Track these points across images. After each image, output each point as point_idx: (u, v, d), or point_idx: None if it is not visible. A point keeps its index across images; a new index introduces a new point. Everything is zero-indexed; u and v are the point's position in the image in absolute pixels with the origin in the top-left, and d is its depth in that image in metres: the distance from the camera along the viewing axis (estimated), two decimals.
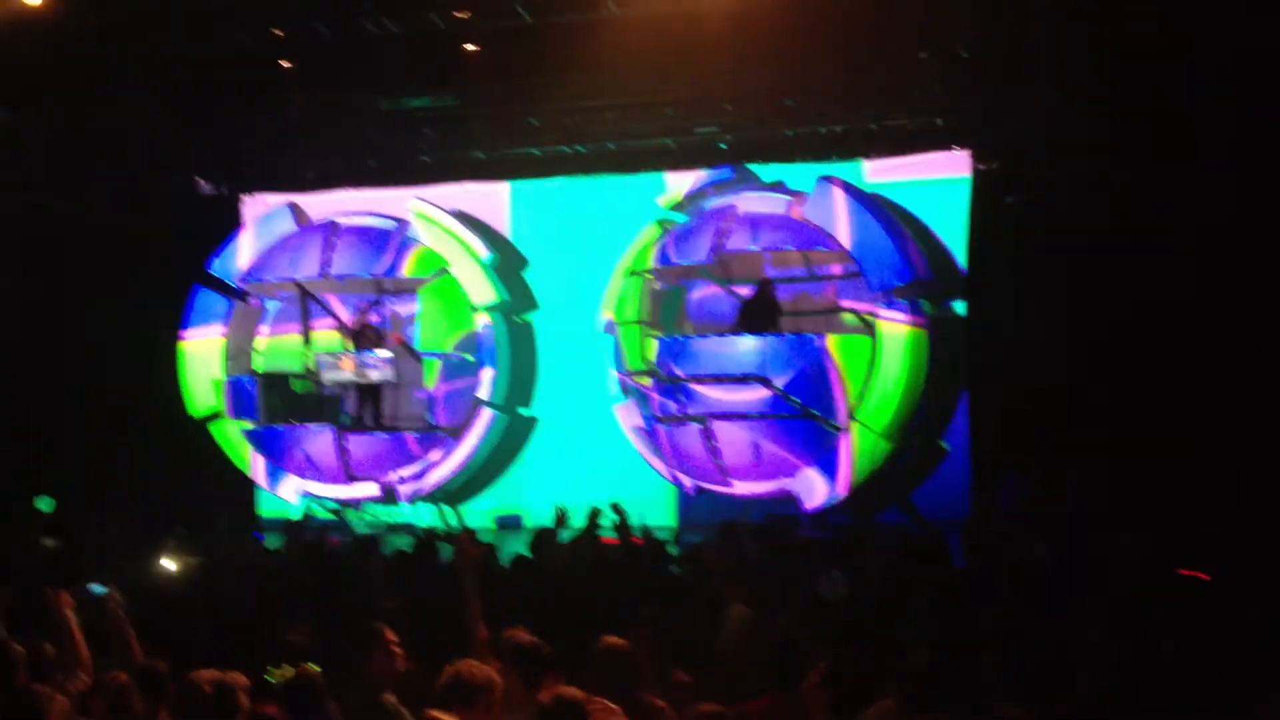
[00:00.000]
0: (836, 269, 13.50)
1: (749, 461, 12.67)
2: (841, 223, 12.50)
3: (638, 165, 14.10)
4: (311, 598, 7.38)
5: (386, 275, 14.06)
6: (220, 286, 14.18)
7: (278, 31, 11.28)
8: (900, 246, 12.49)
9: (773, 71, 11.98)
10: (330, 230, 13.94)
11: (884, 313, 12.42)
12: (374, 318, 14.16)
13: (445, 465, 13.92)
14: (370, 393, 13.83)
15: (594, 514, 8.96)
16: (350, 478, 13.69)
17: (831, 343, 12.73)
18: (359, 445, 13.65)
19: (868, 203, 12.70)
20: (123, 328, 13.81)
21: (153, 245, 13.99)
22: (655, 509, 13.17)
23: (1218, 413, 10.74)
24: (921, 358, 12.50)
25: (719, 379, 12.66)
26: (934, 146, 13.12)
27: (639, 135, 13.59)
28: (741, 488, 12.87)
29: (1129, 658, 5.44)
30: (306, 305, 14.65)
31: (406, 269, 13.87)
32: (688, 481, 13.11)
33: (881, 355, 12.38)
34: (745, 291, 13.27)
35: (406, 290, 14.44)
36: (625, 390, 13.41)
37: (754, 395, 12.51)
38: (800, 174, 13.27)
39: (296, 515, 13.66)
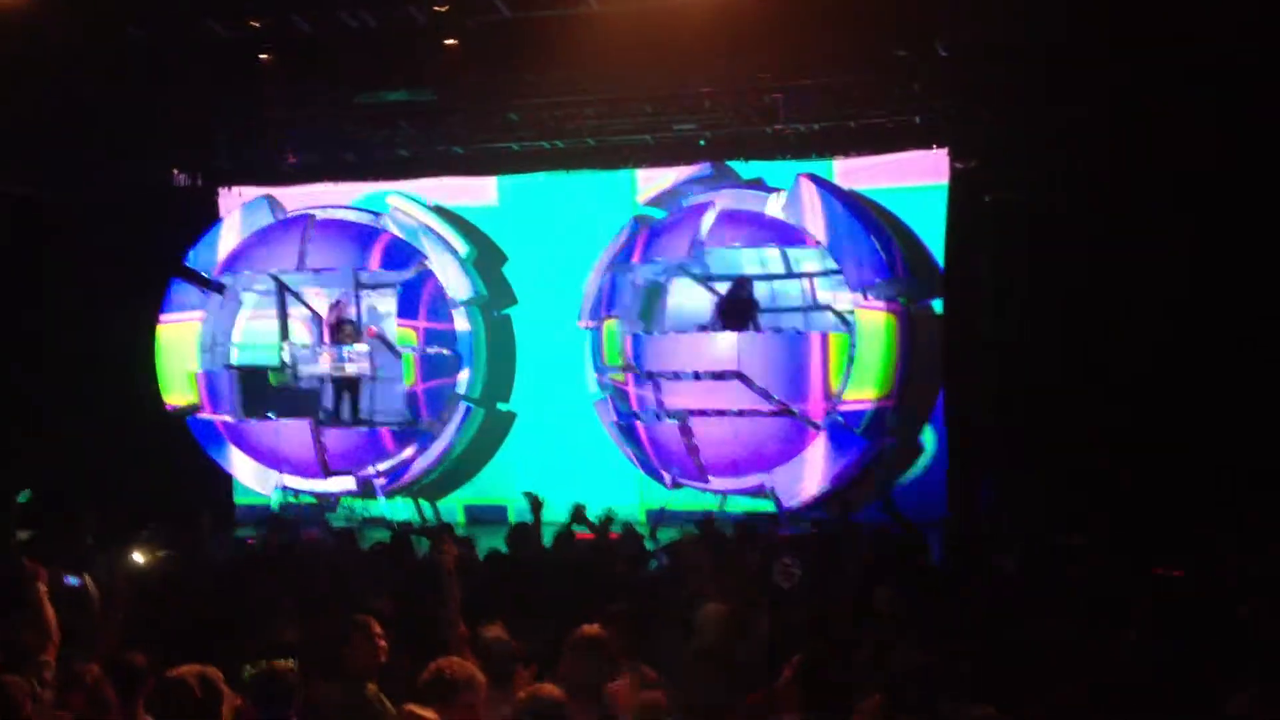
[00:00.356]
0: (815, 266, 13.54)
1: (727, 458, 12.70)
2: (820, 220, 12.53)
3: (616, 161, 14.07)
4: (291, 591, 7.36)
5: (363, 269, 14.01)
6: (196, 279, 14.11)
7: (255, 24, 11.22)
8: (878, 244, 12.53)
9: (752, 69, 12.00)
10: (307, 224, 13.89)
11: (863, 309, 12.45)
12: (351, 311, 14.12)
13: (422, 459, 13.91)
14: (348, 386, 13.81)
15: (577, 510, 8.94)
16: (327, 471, 13.66)
17: (810, 340, 12.79)
18: (335, 439, 13.62)
19: (846, 200, 12.73)
20: (98, 320, 13.73)
21: (129, 238, 13.89)
22: (632, 504, 13.23)
23: (1200, 411, 10.81)
24: (900, 347, 12.53)
25: (697, 376, 12.68)
26: (913, 144, 13.14)
27: (618, 131, 13.56)
28: (719, 484, 12.90)
29: (1103, 655, 5.47)
30: (283, 299, 14.59)
31: (384, 263, 13.81)
32: (666, 477, 13.13)
33: (860, 348, 12.41)
34: (723, 288, 13.30)
35: (384, 284, 14.40)
36: (603, 386, 13.42)
37: (732, 392, 12.52)
38: (779, 171, 13.30)
39: (272, 508, 13.63)
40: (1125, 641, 5.75)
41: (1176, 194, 10.85)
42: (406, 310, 13.86)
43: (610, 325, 13.29)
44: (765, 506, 12.77)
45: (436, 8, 10.76)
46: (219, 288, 14.18)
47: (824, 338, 12.79)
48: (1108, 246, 11.31)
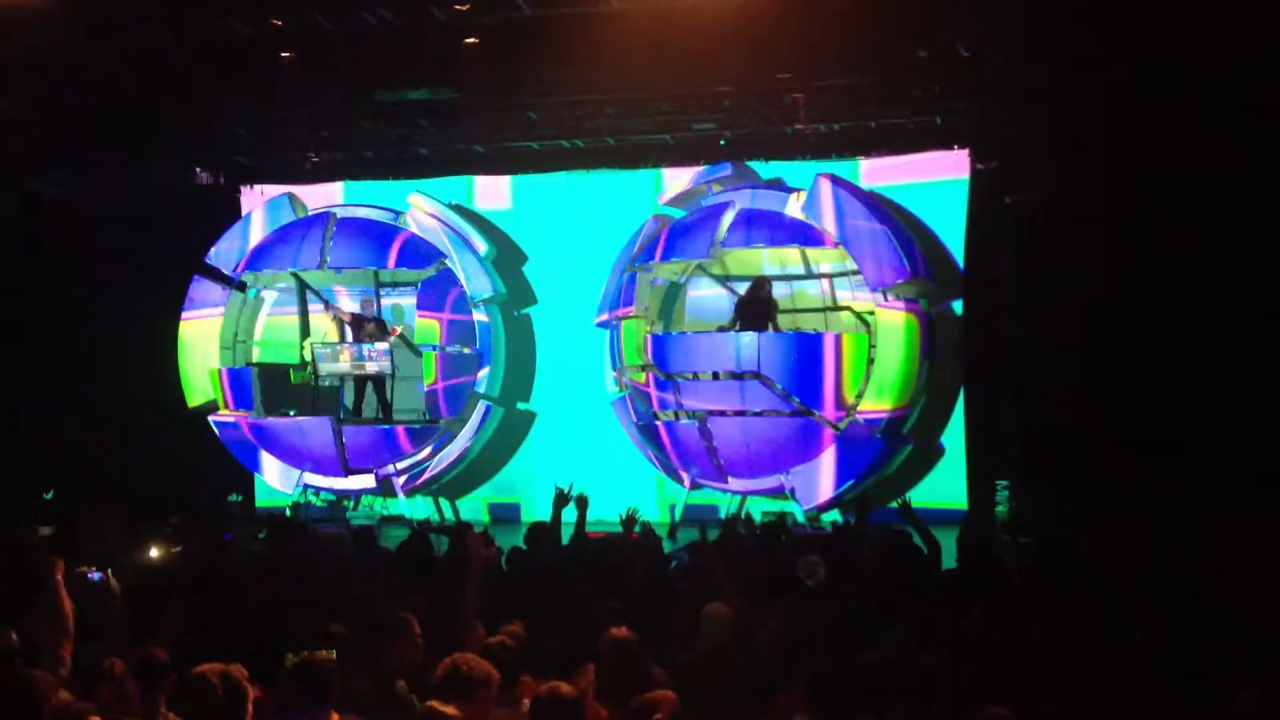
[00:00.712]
0: (834, 267, 13.52)
1: (746, 458, 12.69)
2: (839, 220, 12.51)
3: (636, 161, 14.11)
4: (306, 589, 7.38)
5: (384, 267, 14.05)
6: (218, 277, 14.18)
7: (277, 22, 11.27)
8: (898, 245, 12.50)
9: (772, 68, 11.97)
10: (328, 222, 13.94)
11: (883, 310, 12.42)
12: (374, 309, 14.14)
13: (442, 458, 13.94)
14: (376, 385, 13.82)
15: (581, 503, 8.93)
16: (347, 470, 13.70)
17: (829, 340, 12.77)
18: (356, 437, 13.66)
19: (866, 201, 12.71)
20: (121, 318, 13.81)
21: (152, 236, 13.98)
22: (651, 504, 13.25)
23: (1219, 412, 10.76)
24: (919, 348, 12.51)
25: (716, 375, 12.68)
26: (933, 145, 13.14)
27: (637, 130, 13.59)
28: (738, 484, 12.90)
29: (1112, 653, 5.45)
30: (304, 297, 14.64)
31: (402, 261, 13.85)
32: (685, 477, 13.13)
33: (880, 349, 12.39)
34: (742, 288, 13.30)
35: (404, 283, 14.43)
36: (623, 386, 13.43)
37: (751, 392, 12.51)
38: (799, 171, 13.29)
39: (291, 505, 13.71)
40: (1135, 642, 5.73)
41: (1196, 196, 10.79)
42: (431, 303, 13.86)
43: (629, 324, 13.30)
44: (785, 507, 12.78)
45: (457, 6, 10.77)
46: (240, 285, 14.25)
47: (846, 338, 12.75)
48: (1127, 247, 11.26)
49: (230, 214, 14.77)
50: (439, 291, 13.84)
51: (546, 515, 8.64)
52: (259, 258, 14.07)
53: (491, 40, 11.25)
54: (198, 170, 15.11)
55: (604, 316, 13.42)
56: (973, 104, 12.38)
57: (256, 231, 14.22)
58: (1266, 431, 10.47)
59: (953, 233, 13.08)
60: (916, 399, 12.70)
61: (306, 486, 13.94)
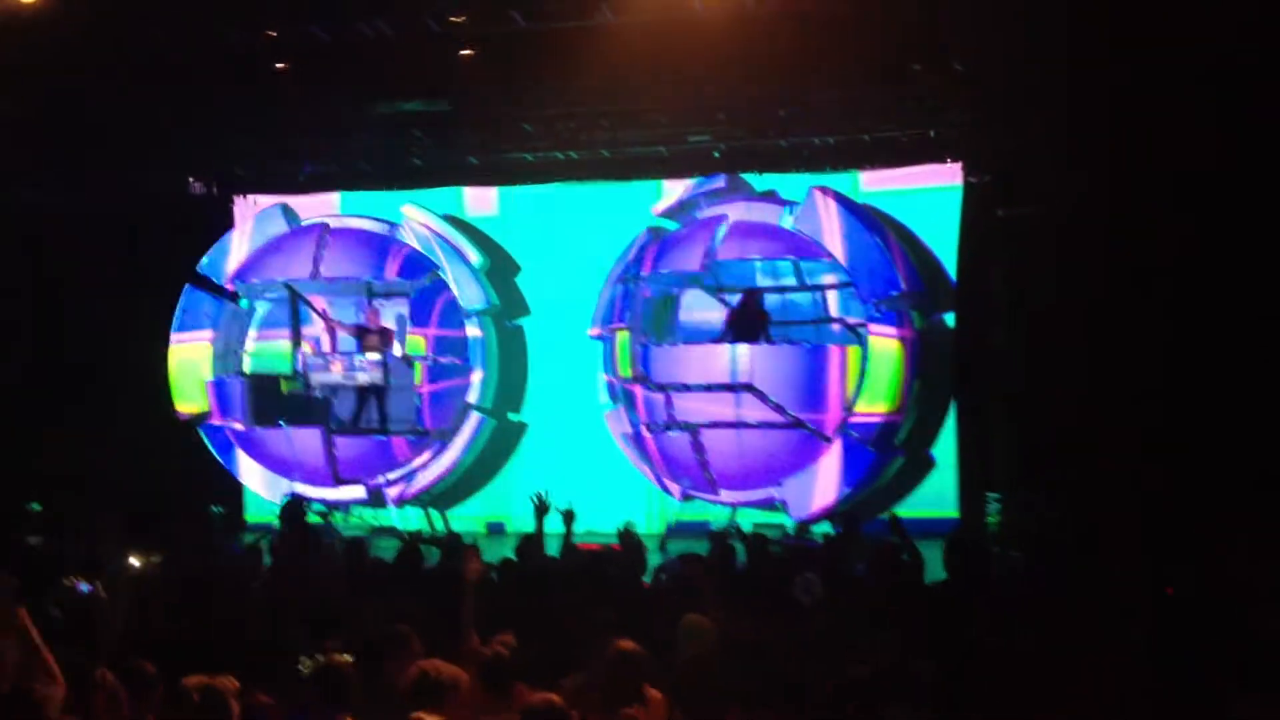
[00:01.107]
0: (827, 279, 13.54)
1: (737, 470, 12.69)
2: (833, 233, 12.54)
3: (631, 173, 14.12)
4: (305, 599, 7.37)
5: (379, 279, 14.05)
6: (210, 287, 14.17)
7: (272, 33, 11.28)
8: (891, 258, 12.54)
9: (766, 82, 11.99)
10: (322, 232, 13.94)
11: (875, 328, 12.44)
12: (377, 321, 14.05)
13: (433, 469, 13.92)
14: (374, 394, 13.78)
15: (568, 517, 8.93)
16: (338, 480, 13.68)
17: (823, 352, 12.79)
18: (347, 448, 13.64)
19: (859, 213, 12.74)
20: (112, 326, 13.78)
21: (144, 245, 13.95)
22: (645, 516, 13.24)
23: (1213, 422, 10.76)
24: (910, 372, 12.54)
25: (708, 387, 12.68)
26: (927, 158, 13.19)
27: (632, 143, 13.61)
28: (729, 496, 12.90)
29: (1110, 661, 5.46)
30: (296, 307, 14.63)
31: (391, 271, 13.86)
32: (676, 489, 13.12)
33: (871, 367, 12.41)
34: (734, 300, 13.32)
35: (398, 293, 14.43)
36: (615, 397, 13.43)
37: (743, 404, 12.51)
38: (793, 184, 13.32)
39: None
40: (1133, 649, 5.74)
41: (1191, 208, 10.80)
42: (418, 318, 13.91)
43: (623, 336, 13.30)
44: (776, 519, 12.78)
45: (453, 18, 10.80)
46: (232, 296, 14.24)
47: (838, 350, 12.77)
48: (1120, 260, 11.26)
49: (223, 224, 14.76)
50: (425, 306, 13.88)
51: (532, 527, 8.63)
52: (250, 268, 14.06)
53: (487, 52, 11.27)
54: (191, 180, 15.09)
55: (597, 330, 13.43)
56: (966, 118, 12.42)
57: (249, 242, 14.20)
58: (1267, 434, 10.46)
59: (945, 243, 13.12)
60: (908, 411, 12.73)
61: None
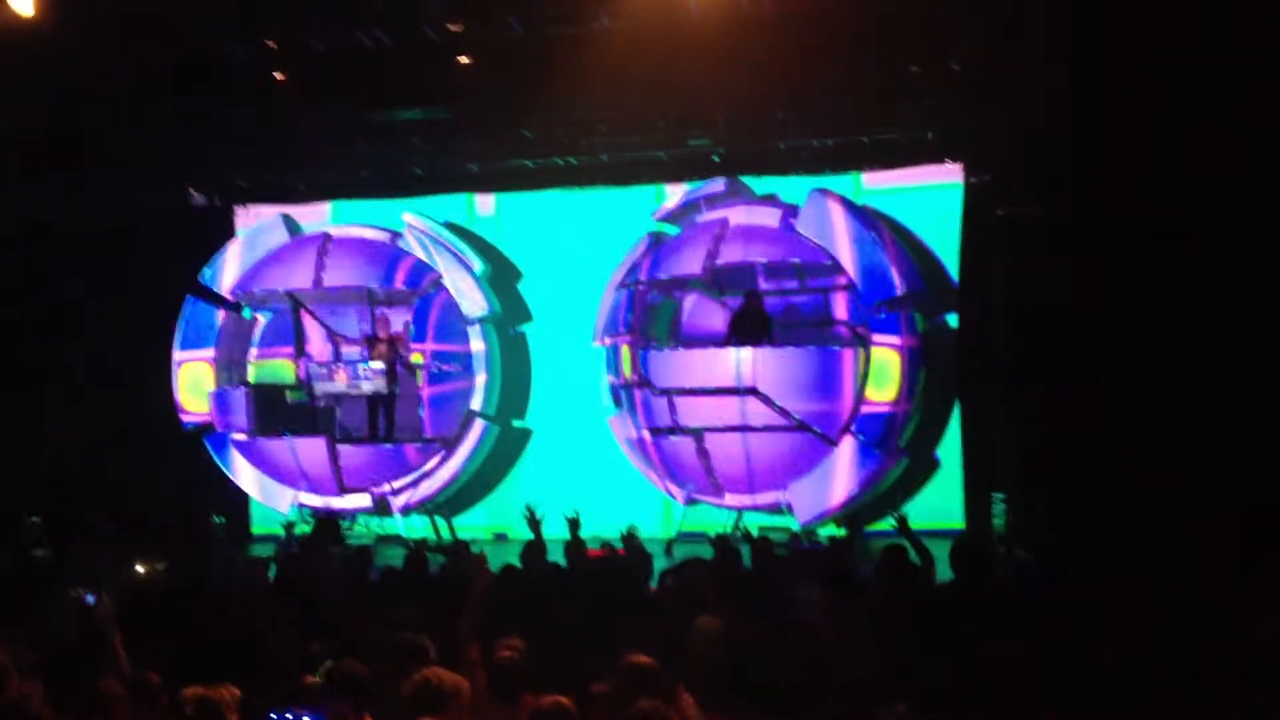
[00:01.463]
0: (828, 281, 13.53)
1: (742, 473, 12.68)
2: (834, 235, 12.53)
3: (630, 178, 14.13)
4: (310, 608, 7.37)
5: (389, 286, 14.05)
6: (212, 297, 14.19)
7: (271, 43, 11.30)
8: (892, 259, 12.51)
9: (765, 85, 12.00)
10: (323, 242, 13.95)
11: (877, 337, 12.43)
12: (396, 329, 13.98)
13: (437, 477, 13.91)
14: (384, 403, 13.77)
15: (573, 524, 8.93)
16: (343, 489, 13.68)
17: (824, 355, 12.77)
18: (351, 456, 13.64)
19: (860, 215, 12.73)
20: (114, 338, 13.80)
21: (145, 256, 13.97)
22: (648, 521, 13.21)
23: (1215, 422, 10.74)
24: (913, 377, 12.53)
25: (712, 391, 12.67)
26: (926, 160, 13.20)
27: (631, 148, 13.62)
28: (734, 500, 12.89)
29: (1107, 661, 5.46)
30: (299, 316, 14.64)
31: (399, 280, 13.86)
32: (680, 493, 13.11)
33: (873, 371, 12.40)
34: (735, 303, 13.31)
35: (399, 302, 14.43)
36: (619, 402, 13.43)
37: (748, 408, 12.51)
38: (793, 187, 13.32)
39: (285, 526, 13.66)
40: (1129, 653, 5.74)
41: (1190, 207, 10.79)
42: (420, 325, 13.98)
43: (626, 345, 13.31)
44: (782, 522, 12.76)
45: (450, 26, 10.82)
46: (235, 306, 14.25)
47: (841, 353, 12.76)
48: (1120, 260, 11.25)
49: (224, 234, 14.78)
50: (420, 321, 13.94)
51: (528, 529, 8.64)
52: (253, 278, 14.07)
53: (485, 60, 11.29)
54: (192, 191, 15.11)
55: (604, 341, 13.42)
56: (965, 118, 12.42)
57: (251, 252, 14.22)
58: (1266, 434, 10.44)
59: (947, 242, 13.11)
60: (913, 410, 12.71)
61: (302, 506, 13.91)
